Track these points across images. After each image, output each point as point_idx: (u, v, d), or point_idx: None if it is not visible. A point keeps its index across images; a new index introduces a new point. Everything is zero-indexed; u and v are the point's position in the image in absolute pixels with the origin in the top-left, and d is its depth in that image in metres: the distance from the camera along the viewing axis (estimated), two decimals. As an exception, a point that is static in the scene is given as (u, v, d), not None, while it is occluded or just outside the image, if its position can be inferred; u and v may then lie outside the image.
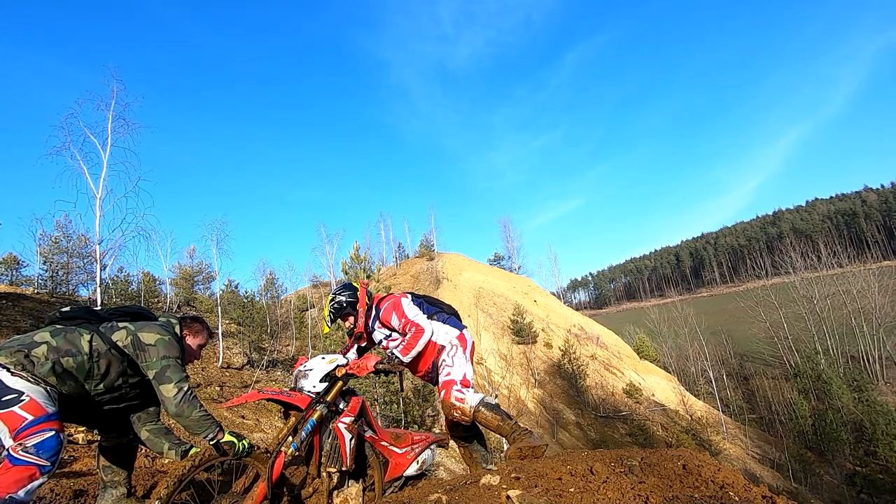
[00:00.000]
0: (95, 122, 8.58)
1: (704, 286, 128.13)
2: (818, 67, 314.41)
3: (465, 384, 2.84)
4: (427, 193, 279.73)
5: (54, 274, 19.57)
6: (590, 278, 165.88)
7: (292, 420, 2.51)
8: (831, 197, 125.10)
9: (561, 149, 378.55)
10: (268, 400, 2.66)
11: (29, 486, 1.80)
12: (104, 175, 8.31)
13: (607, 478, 2.06)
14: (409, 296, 3.15)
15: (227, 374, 16.32)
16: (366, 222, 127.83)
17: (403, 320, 2.96)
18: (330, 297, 3.20)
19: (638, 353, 38.44)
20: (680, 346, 40.44)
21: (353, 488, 2.59)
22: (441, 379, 2.94)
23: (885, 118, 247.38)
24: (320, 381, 2.64)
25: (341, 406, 2.69)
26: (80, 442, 4.47)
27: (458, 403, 2.74)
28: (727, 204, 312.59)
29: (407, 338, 2.92)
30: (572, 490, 2.03)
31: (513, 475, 2.21)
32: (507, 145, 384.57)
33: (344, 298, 3.15)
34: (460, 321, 3.22)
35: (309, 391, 2.62)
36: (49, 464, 1.85)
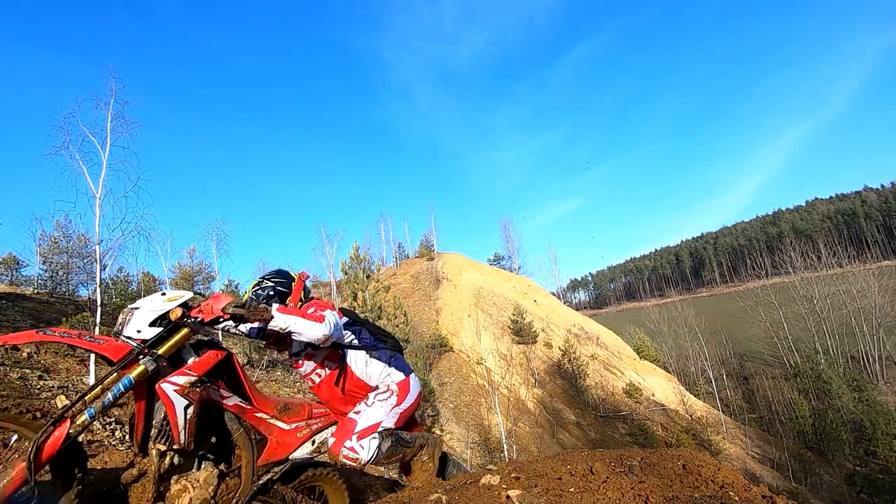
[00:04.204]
0: (94, 122, 8.53)
1: (704, 286, 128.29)
2: (818, 67, 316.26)
3: (365, 434, 2.33)
4: (427, 193, 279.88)
5: (54, 274, 19.57)
6: (590, 278, 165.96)
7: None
8: (831, 197, 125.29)
9: (562, 148, 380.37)
10: (63, 345, 1.84)
11: None
12: (103, 175, 8.26)
13: (607, 478, 2.06)
14: (345, 316, 2.57)
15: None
16: (366, 222, 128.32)
17: (313, 309, 2.25)
18: (257, 281, 2.53)
19: (638, 353, 38.45)
20: (680, 346, 40.47)
21: (203, 473, 1.94)
22: (347, 417, 2.43)
23: (885, 118, 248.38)
24: (150, 324, 1.88)
25: (188, 360, 1.97)
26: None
27: (347, 462, 2.28)
28: (727, 204, 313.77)
29: (308, 313, 2.17)
30: (572, 490, 2.03)
31: (513, 475, 2.21)
32: (508, 145, 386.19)
33: (273, 285, 2.47)
34: (403, 359, 2.72)
35: (128, 337, 1.85)
36: None
